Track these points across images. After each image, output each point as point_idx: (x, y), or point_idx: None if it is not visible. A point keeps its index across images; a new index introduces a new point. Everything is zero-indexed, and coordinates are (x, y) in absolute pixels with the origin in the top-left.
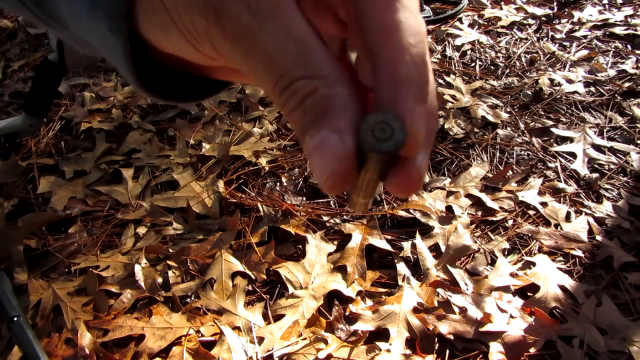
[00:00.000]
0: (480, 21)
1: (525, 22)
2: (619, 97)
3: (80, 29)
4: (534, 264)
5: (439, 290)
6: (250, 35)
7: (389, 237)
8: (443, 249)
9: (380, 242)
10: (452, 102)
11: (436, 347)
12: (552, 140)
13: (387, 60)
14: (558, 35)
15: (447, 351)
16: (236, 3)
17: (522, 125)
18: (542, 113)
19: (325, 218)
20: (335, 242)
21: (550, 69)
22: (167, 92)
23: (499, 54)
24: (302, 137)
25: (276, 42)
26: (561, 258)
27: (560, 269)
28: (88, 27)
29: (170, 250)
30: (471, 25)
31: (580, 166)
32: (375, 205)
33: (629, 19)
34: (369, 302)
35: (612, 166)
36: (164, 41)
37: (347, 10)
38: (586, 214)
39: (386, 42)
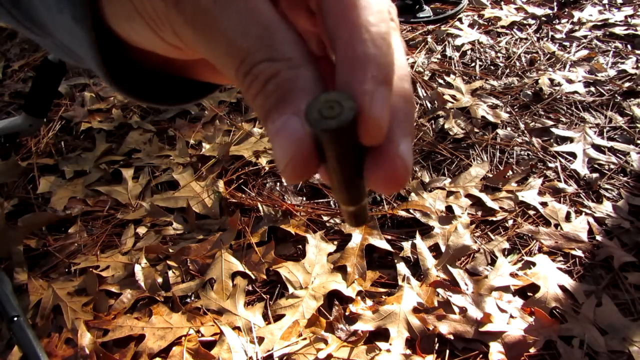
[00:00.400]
0: (480, 21)
1: (525, 22)
2: (619, 97)
3: (55, 28)
4: (534, 264)
5: (439, 290)
6: (211, 19)
7: (389, 237)
8: (443, 249)
9: (380, 242)
10: (452, 102)
11: (436, 347)
12: (552, 140)
13: (344, 40)
14: (558, 35)
15: (447, 351)
16: None
17: (522, 125)
18: (542, 113)
19: (325, 218)
20: (335, 242)
21: (550, 69)
22: (144, 93)
23: (499, 54)
24: (265, 123)
25: (237, 26)
26: (561, 258)
27: (560, 269)
28: (58, 22)
29: (170, 250)
30: (471, 25)
31: (580, 166)
32: (375, 205)
33: (629, 19)
34: (369, 302)
35: (612, 166)
36: (129, 32)
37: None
38: (586, 214)
39: (343, 22)
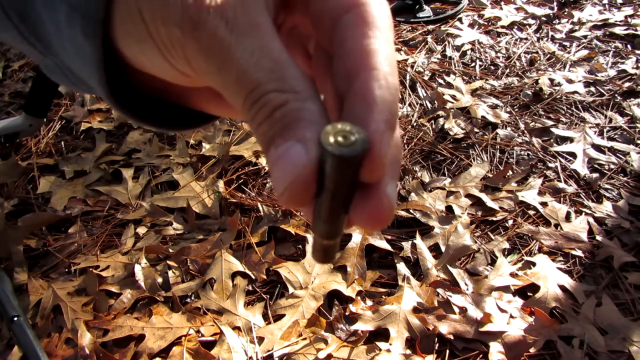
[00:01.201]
0: (480, 21)
1: (525, 22)
2: (619, 97)
3: (60, 45)
4: (534, 264)
5: (439, 290)
6: (226, 49)
7: (389, 237)
8: (443, 249)
9: (380, 242)
10: (452, 102)
11: (436, 347)
12: (552, 140)
13: (363, 82)
14: (558, 35)
15: (447, 351)
16: (214, 17)
17: (522, 125)
18: (542, 113)
19: None
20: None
21: (550, 69)
22: (143, 114)
23: (499, 54)
24: (267, 149)
25: (251, 57)
26: (561, 258)
27: (560, 269)
28: (65, 38)
29: (170, 250)
30: (471, 25)
31: (580, 166)
32: None
33: (629, 19)
34: (369, 302)
35: (612, 166)
36: (139, 55)
37: (317, 41)
38: (586, 214)
39: (363, 65)
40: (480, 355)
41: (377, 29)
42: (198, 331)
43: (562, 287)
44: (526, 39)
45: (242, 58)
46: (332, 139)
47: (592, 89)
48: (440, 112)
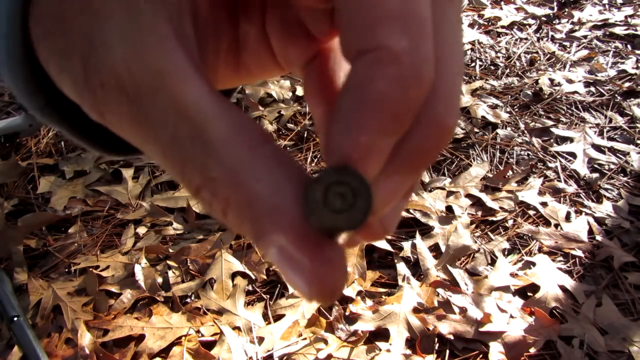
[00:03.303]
0: (480, 21)
1: (525, 22)
2: (619, 97)
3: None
4: (534, 264)
5: (439, 290)
6: (143, 128)
7: (389, 237)
8: (443, 249)
9: (380, 242)
10: None
11: (436, 347)
12: (552, 140)
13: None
14: (558, 35)
15: (447, 351)
16: (114, 94)
17: (522, 125)
18: (542, 113)
19: None
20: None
21: (550, 69)
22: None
23: (499, 54)
24: (252, 239)
25: (165, 130)
26: (561, 258)
27: (560, 269)
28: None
29: (170, 250)
30: (471, 25)
31: (580, 166)
32: None
33: (629, 19)
34: (369, 302)
35: (612, 166)
36: (57, 81)
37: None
38: (586, 214)
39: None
40: (480, 355)
41: None
42: (198, 331)
43: (562, 287)
44: (526, 39)
45: (157, 134)
46: (323, 208)
47: (592, 89)
48: None
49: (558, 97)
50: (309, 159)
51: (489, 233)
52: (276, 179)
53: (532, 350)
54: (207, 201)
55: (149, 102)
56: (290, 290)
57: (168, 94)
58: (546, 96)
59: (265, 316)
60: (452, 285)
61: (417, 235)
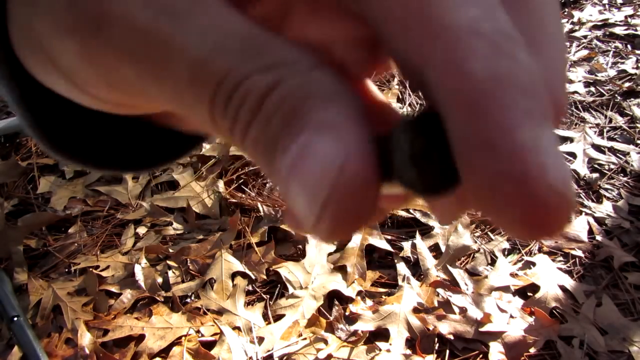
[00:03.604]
0: None
1: None
2: (619, 97)
3: None
4: (534, 264)
5: (439, 290)
6: (159, 43)
7: (389, 237)
8: (443, 249)
9: (380, 242)
10: None
11: (436, 347)
12: None
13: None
14: None
15: (447, 351)
16: (121, 1)
17: None
18: None
19: None
20: (335, 242)
21: None
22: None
23: None
24: (268, 160)
25: (203, 41)
26: (561, 258)
27: (560, 269)
28: None
29: (170, 250)
30: None
31: (580, 166)
32: None
33: (629, 19)
34: (369, 302)
35: (612, 166)
36: (46, 80)
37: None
38: (586, 214)
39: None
40: (480, 355)
41: None
42: (198, 331)
43: (562, 287)
44: None
45: (189, 45)
46: (408, 163)
47: (592, 89)
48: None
49: None
50: None
51: (489, 233)
52: (332, 78)
53: (532, 350)
54: (241, 96)
55: (179, 20)
56: (290, 290)
57: (210, 15)
58: None
59: (265, 316)
60: (452, 285)
61: (417, 235)
